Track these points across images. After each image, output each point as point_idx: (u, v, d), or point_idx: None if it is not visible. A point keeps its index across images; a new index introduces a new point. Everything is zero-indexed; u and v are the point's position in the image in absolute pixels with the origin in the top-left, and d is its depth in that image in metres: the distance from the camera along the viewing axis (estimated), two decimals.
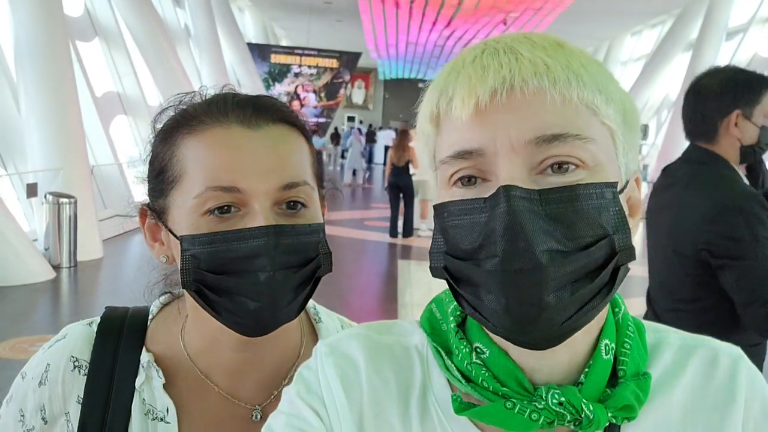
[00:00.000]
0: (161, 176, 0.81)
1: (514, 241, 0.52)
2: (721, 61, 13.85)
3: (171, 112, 0.84)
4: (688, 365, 0.66)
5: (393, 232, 9.89)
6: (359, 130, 22.76)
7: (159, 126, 0.84)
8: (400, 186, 9.61)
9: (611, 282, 0.56)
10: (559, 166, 0.55)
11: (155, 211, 0.83)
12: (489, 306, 0.55)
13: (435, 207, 0.60)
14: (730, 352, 0.68)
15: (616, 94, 0.59)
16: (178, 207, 0.79)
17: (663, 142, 14.62)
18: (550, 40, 0.58)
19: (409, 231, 9.84)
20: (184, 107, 0.83)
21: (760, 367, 1.99)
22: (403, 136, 9.72)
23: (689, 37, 15.38)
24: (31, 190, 7.22)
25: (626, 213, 0.60)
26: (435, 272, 0.60)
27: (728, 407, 0.64)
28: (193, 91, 0.85)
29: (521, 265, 0.52)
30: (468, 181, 0.57)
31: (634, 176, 0.63)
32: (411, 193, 9.64)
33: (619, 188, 0.58)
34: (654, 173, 14.36)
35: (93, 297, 6.49)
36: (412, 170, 9.57)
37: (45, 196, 7.09)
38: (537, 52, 0.56)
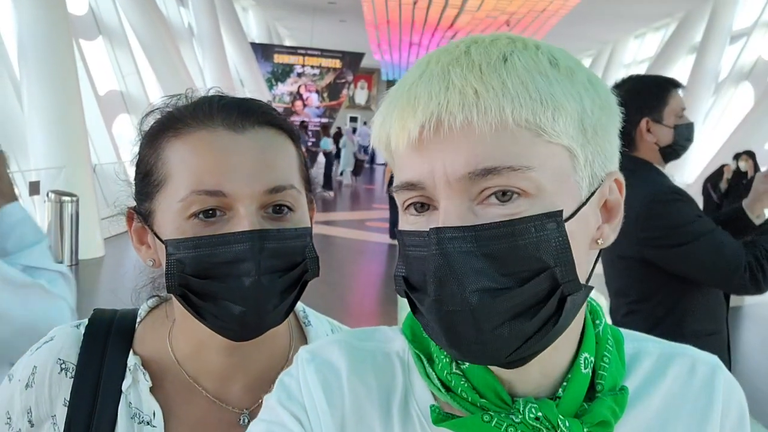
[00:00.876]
0: (147, 179, 0.81)
1: (444, 284, 0.52)
2: (725, 65, 13.86)
3: (157, 115, 0.83)
4: (667, 374, 0.66)
5: (393, 234, 9.90)
6: (354, 129, 22.80)
7: (145, 128, 0.84)
8: None
9: (558, 314, 0.54)
10: (503, 194, 0.53)
11: (141, 214, 0.83)
12: (435, 339, 0.57)
13: (396, 232, 0.60)
14: (707, 360, 0.68)
15: (570, 103, 0.54)
16: (163, 210, 0.79)
17: None
18: (493, 54, 0.55)
19: None
20: (170, 110, 0.83)
21: (721, 356, 2.05)
22: None
23: (693, 41, 15.35)
24: (34, 188, 7.23)
25: (592, 236, 0.58)
26: (399, 294, 0.60)
27: (706, 415, 0.65)
28: (179, 94, 0.84)
29: (452, 307, 0.52)
30: (421, 207, 0.57)
31: (611, 177, 0.60)
32: None
33: (575, 207, 0.55)
34: None
35: (94, 296, 6.50)
36: None
37: (47, 195, 7.10)
38: (470, 77, 0.53)
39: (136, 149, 0.85)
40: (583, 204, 0.57)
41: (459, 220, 0.53)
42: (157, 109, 0.84)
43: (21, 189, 7.66)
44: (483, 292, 0.52)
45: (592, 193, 0.58)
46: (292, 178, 0.81)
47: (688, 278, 1.94)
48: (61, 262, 6.11)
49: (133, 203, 0.86)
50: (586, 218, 0.57)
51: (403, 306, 6.29)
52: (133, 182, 0.85)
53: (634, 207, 1.92)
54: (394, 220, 9.90)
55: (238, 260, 0.75)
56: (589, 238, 0.58)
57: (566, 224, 0.54)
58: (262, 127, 0.81)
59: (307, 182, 0.87)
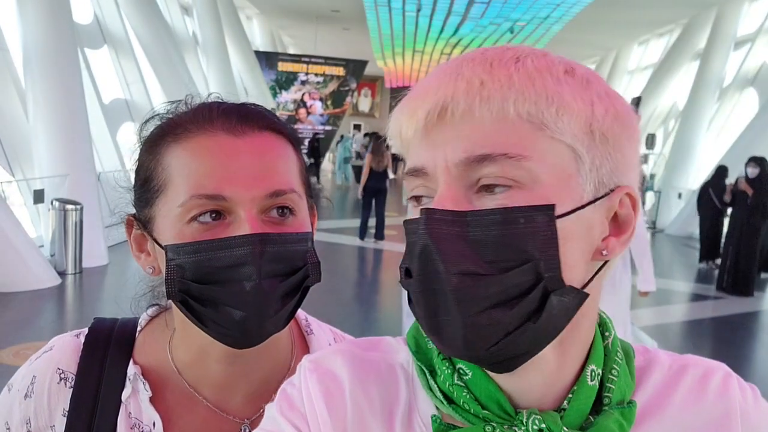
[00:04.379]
0: (146, 185, 0.80)
1: (427, 263, 0.53)
2: (729, 71, 13.84)
3: (157, 121, 0.83)
4: (679, 384, 0.65)
5: (363, 234, 10.21)
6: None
7: (145, 135, 0.83)
8: (378, 189, 9.94)
9: (540, 311, 0.53)
10: (493, 187, 0.54)
11: (141, 221, 0.82)
12: (421, 324, 0.57)
13: (403, 223, 0.61)
14: (718, 367, 0.67)
15: (578, 105, 0.55)
16: (163, 216, 0.78)
17: (670, 151, 14.57)
18: (507, 56, 0.56)
19: (381, 234, 10.14)
20: (170, 116, 0.82)
21: None
22: (382, 142, 10.01)
23: (697, 47, 15.35)
24: (38, 197, 7.25)
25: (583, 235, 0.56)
26: (402, 285, 0.60)
27: (725, 424, 0.63)
28: (178, 100, 0.84)
29: (433, 285, 0.53)
30: (419, 200, 0.59)
31: (622, 191, 0.58)
32: (384, 197, 10.01)
33: (573, 207, 0.54)
34: (661, 183, 14.30)
35: (98, 304, 6.50)
36: (391, 175, 10.02)
37: (51, 203, 7.12)
38: (479, 70, 0.55)
39: (136, 156, 0.84)
40: (582, 206, 0.55)
41: (452, 205, 0.54)
42: (156, 115, 0.83)
43: (26, 197, 7.69)
44: (464, 275, 0.52)
45: (597, 199, 0.56)
46: (293, 182, 0.80)
47: None
48: (65, 271, 6.13)
49: (133, 210, 0.85)
50: (589, 224, 0.56)
51: (409, 314, 6.27)
52: (133, 189, 0.84)
53: None
54: (365, 220, 10.17)
55: (238, 264, 0.73)
56: (590, 246, 0.57)
57: (561, 221, 0.53)
58: (262, 131, 0.80)
59: (308, 187, 0.86)
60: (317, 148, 18.71)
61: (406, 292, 0.58)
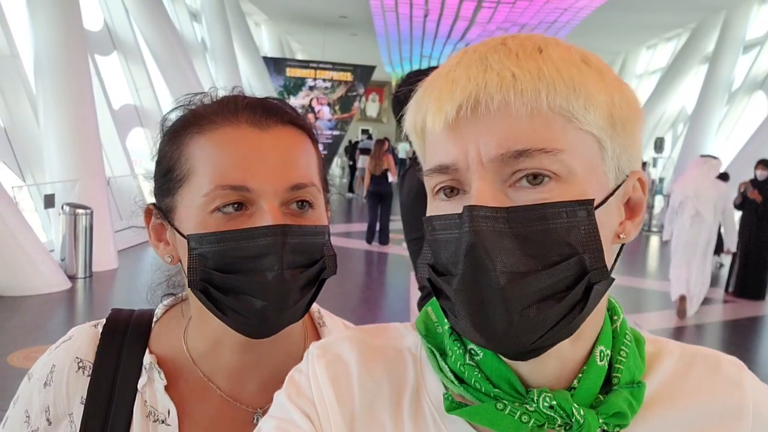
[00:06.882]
0: (169, 175, 0.81)
1: (475, 261, 0.52)
2: (738, 74, 13.77)
3: (179, 113, 0.84)
4: (690, 372, 0.65)
5: (370, 238, 10.18)
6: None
7: (167, 126, 0.84)
8: (380, 193, 9.93)
9: (584, 301, 0.54)
10: (534, 177, 0.54)
11: (161, 210, 0.83)
12: (461, 322, 0.56)
13: (423, 220, 0.60)
14: (732, 360, 0.67)
15: (601, 95, 0.56)
16: (185, 206, 0.79)
17: (679, 155, 14.51)
18: (528, 46, 0.56)
19: (385, 239, 10.10)
20: (194, 107, 0.83)
21: None
22: (380, 146, 10.14)
23: (705, 51, 15.30)
24: (49, 201, 7.30)
25: (617, 223, 0.58)
26: (422, 282, 0.60)
27: (738, 414, 0.63)
28: (202, 92, 0.85)
29: (482, 284, 0.52)
30: (450, 191, 0.58)
31: (635, 176, 0.60)
32: (389, 201, 9.97)
33: (603, 197, 0.56)
34: (670, 186, 14.24)
35: (108, 307, 6.48)
36: (390, 178, 9.98)
37: (62, 207, 7.16)
38: (507, 62, 0.54)
39: (157, 146, 0.85)
40: (611, 195, 0.57)
41: (493, 201, 0.53)
42: (180, 106, 0.85)
43: (36, 202, 7.75)
44: (513, 271, 0.52)
45: (618, 186, 0.58)
46: (312, 176, 0.82)
47: None
48: (75, 275, 6.10)
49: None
50: (611, 211, 0.58)
51: (416, 312, 6.28)
52: (153, 179, 0.86)
53: None
54: (371, 225, 10.16)
55: (261, 255, 0.75)
56: (612, 232, 0.58)
57: (596, 212, 0.54)
58: (285, 125, 0.82)
59: (325, 182, 0.88)
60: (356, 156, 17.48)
61: (416, 291, 0.58)
